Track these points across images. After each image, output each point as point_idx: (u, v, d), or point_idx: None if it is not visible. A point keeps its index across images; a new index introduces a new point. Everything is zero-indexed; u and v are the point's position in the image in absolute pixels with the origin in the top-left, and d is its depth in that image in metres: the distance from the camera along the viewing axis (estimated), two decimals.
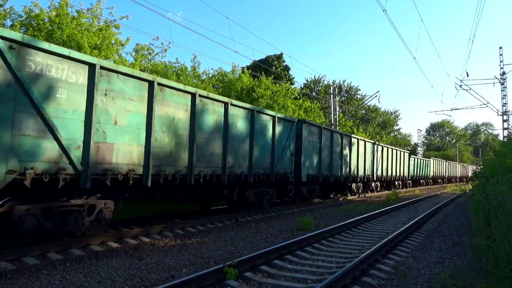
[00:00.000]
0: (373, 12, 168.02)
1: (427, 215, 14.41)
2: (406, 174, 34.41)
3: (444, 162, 53.34)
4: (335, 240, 9.45)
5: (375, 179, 26.18)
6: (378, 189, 28.39)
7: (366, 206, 17.34)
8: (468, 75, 38.91)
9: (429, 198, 25.54)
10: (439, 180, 50.94)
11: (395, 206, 17.37)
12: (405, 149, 44.92)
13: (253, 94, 24.36)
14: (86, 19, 16.41)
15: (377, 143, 26.66)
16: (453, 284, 5.84)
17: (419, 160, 40.51)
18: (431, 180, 45.74)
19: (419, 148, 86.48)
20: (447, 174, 54.36)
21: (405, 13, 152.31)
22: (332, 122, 31.29)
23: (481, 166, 19.15)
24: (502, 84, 31.48)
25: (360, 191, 24.38)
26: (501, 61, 31.69)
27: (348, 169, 21.17)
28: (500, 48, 31.71)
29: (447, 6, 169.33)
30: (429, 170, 44.53)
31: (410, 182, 36.85)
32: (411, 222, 11.71)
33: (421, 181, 41.96)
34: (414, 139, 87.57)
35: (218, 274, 5.75)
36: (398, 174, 31.99)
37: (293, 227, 10.93)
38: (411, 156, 34.94)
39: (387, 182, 30.81)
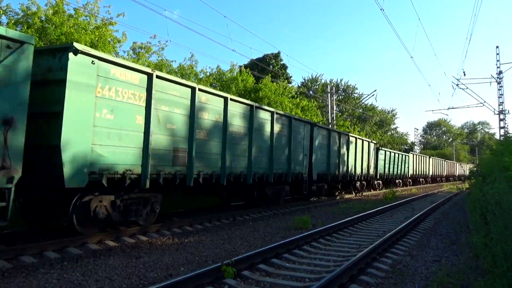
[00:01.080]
0: (370, 11, 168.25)
1: (424, 213, 14.45)
2: (372, 171, 27.02)
3: (428, 158, 46.78)
4: (332, 238, 9.47)
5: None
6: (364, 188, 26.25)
7: (363, 205, 17.37)
8: (465, 74, 39.00)
9: (426, 196, 25.63)
10: (421, 180, 43.84)
11: (392, 204, 17.42)
12: (402, 148, 44.64)
13: (256, 94, 24.39)
14: (84, 18, 16.33)
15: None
16: (450, 282, 5.86)
17: (391, 154, 32.16)
18: (410, 180, 38.88)
19: (416, 147, 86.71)
20: (431, 173, 48.06)
21: (402, 12, 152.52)
22: (329, 121, 31.32)
23: (471, 165, 19.30)
24: (499, 83, 31.55)
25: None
26: (497, 60, 31.76)
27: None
28: (497, 47, 31.81)
29: (445, 5, 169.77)
30: (408, 167, 37.20)
31: (380, 182, 30.23)
32: (408, 221, 11.74)
33: (397, 180, 34.22)
34: (411, 138, 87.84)
35: (216, 272, 5.75)
36: (361, 171, 24.97)
37: (291, 226, 10.94)
38: (381, 148, 29.28)
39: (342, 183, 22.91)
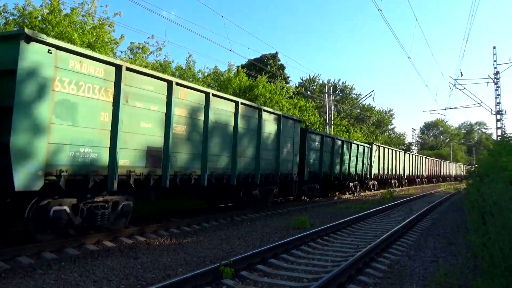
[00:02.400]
0: (368, 12, 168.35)
1: (422, 213, 14.47)
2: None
3: (393, 152, 33.20)
4: (330, 239, 9.47)
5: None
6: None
7: (361, 205, 17.39)
8: (462, 75, 39.20)
9: (423, 197, 25.69)
10: (393, 182, 33.01)
11: (390, 205, 17.44)
12: (399, 148, 44.07)
13: (250, 92, 24.36)
14: (81, 18, 16.30)
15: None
16: (448, 282, 5.87)
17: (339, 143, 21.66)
18: (375, 182, 29.40)
19: (413, 147, 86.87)
20: (406, 173, 37.49)
21: (400, 13, 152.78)
22: (327, 121, 31.35)
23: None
24: (496, 83, 31.61)
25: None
26: (494, 61, 31.83)
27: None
28: (494, 47, 31.87)
29: (442, 6, 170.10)
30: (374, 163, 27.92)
31: (318, 187, 19.59)
32: (406, 221, 11.75)
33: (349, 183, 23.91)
34: (409, 138, 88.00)
35: (214, 273, 5.73)
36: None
37: (289, 226, 10.94)
38: (327, 136, 20.25)
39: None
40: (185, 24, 73.92)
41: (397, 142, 70.41)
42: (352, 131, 44.65)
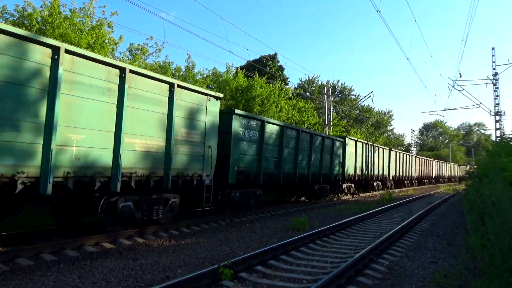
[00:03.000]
0: (367, 13, 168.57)
1: (421, 215, 14.47)
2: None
3: (376, 149, 28.30)
4: (329, 240, 9.46)
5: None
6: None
7: (360, 206, 17.39)
8: (461, 76, 39.36)
9: (422, 197, 25.68)
10: (376, 184, 29.26)
11: (389, 206, 17.44)
12: (398, 149, 43.65)
13: (248, 93, 24.33)
14: (79, 19, 16.29)
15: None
16: (447, 283, 5.87)
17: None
18: (352, 185, 24.25)
19: (412, 148, 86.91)
20: (392, 173, 32.40)
21: (398, 14, 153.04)
22: (326, 122, 31.36)
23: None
24: (495, 84, 31.68)
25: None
26: (493, 62, 31.91)
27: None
28: (493, 49, 32.01)
29: (441, 7, 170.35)
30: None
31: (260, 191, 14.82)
32: (405, 222, 11.75)
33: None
34: (408, 139, 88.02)
35: (214, 274, 5.73)
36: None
37: (288, 227, 10.93)
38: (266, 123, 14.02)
39: None
40: (184, 26, 73.97)
41: (396, 143, 70.40)
42: (352, 132, 44.65)
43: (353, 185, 24.18)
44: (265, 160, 13.75)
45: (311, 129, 23.51)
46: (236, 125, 12.16)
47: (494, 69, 31.88)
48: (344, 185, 22.97)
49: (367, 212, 14.23)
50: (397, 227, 10.61)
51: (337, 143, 21.15)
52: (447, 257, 7.95)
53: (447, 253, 8.39)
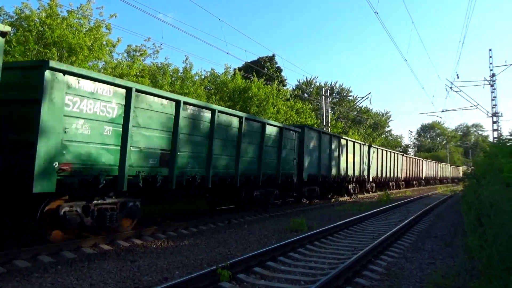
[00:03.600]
0: (364, 14, 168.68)
1: (419, 216, 14.48)
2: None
3: (353, 145, 23.75)
4: (327, 241, 9.46)
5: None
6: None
7: (358, 207, 17.40)
8: (458, 77, 39.20)
9: (420, 199, 25.72)
10: (351, 187, 24.37)
11: (387, 207, 17.46)
12: (396, 150, 43.46)
13: (245, 94, 24.37)
14: (77, 20, 16.27)
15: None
16: (445, 284, 5.87)
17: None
18: (316, 188, 19.42)
19: (410, 149, 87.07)
20: (373, 174, 28.48)
21: (396, 15, 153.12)
22: (324, 124, 31.38)
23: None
24: (492, 86, 31.77)
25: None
26: (490, 63, 31.99)
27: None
28: (490, 50, 32.05)
29: (438, 8, 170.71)
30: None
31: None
32: (403, 223, 11.76)
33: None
34: (405, 141, 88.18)
35: (212, 276, 5.72)
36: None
37: (286, 228, 10.93)
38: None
39: None
40: (182, 27, 74.07)
41: (394, 145, 70.51)
42: (351, 133, 44.70)
43: (317, 188, 19.15)
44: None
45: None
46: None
47: (491, 70, 31.98)
48: (305, 189, 18.00)
49: (365, 213, 14.24)
50: (395, 228, 10.62)
51: (294, 134, 15.96)
52: (445, 258, 7.96)
53: (445, 254, 8.40)
